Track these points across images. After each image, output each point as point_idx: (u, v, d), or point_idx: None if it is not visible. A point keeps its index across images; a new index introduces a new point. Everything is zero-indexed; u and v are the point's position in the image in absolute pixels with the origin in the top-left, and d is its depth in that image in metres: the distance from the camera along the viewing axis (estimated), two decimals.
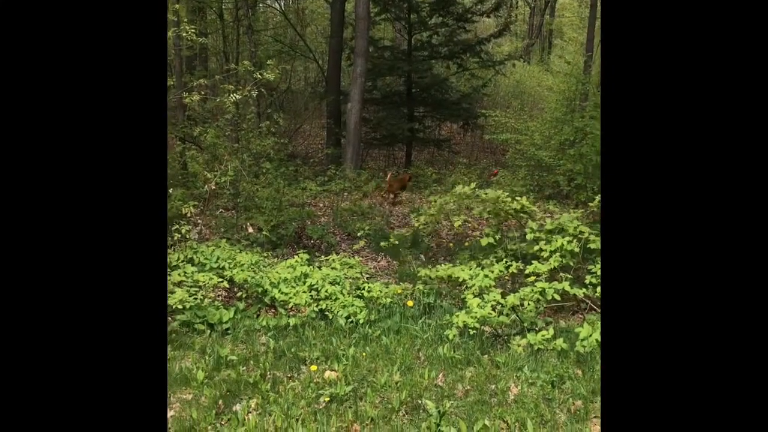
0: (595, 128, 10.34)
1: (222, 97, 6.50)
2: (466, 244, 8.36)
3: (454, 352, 4.77)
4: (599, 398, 4.16)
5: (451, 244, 8.42)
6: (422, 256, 8.07)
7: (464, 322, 4.89)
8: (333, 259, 6.29)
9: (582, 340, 4.75)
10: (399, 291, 5.81)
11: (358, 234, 7.94)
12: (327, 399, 4.09)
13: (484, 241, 5.98)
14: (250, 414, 3.98)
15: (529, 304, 5.03)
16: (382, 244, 7.42)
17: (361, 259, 6.91)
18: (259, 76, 6.53)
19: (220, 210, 7.91)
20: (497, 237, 6.06)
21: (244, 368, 4.59)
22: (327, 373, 4.46)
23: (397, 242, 7.44)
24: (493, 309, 5.02)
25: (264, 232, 6.96)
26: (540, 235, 5.78)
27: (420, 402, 4.13)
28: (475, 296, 5.14)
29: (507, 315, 5.09)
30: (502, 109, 20.47)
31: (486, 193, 6.05)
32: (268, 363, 4.58)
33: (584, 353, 4.70)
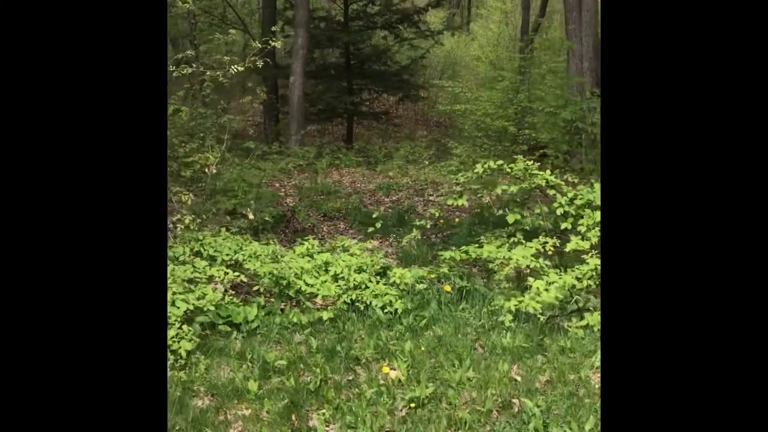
0: (562, 98, 10.14)
1: (218, 69, 5.84)
2: (456, 220, 8.02)
3: (517, 340, 4.41)
4: None
5: (441, 221, 8.04)
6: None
7: (527, 305, 4.53)
8: (349, 245, 5.79)
9: None
10: (426, 275, 5.38)
11: (373, 216, 7.41)
12: (413, 405, 3.65)
13: (511, 218, 5.63)
14: (329, 429, 3.50)
15: (587, 283, 4.72)
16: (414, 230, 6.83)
17: (377, 243, 6.44)
18: (258, 45, 5.90)
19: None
20: (523, 213, 5.73)
21: (291, 373, 4.07)
22: (392, 373, 4.02)
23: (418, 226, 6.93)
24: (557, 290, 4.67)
25: (266, 217, 6.35)
26: (570, 209, 5.48)
27: (509, 400, 3.75)
28: (533, 279, 4.79)
29: (557, 297, 4.77)
30: (436, 79, 20.26)
31: (511, 167, 5.68)
32: (327, 367, 4.08)
33: None
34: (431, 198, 9.99)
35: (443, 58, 21.93)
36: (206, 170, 5.62)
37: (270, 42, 6.12)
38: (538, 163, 5.86)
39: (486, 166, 5.69)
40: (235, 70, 5.76)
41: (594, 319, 4.56)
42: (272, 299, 5.08)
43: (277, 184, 10.96)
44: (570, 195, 5.51)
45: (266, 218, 6.33)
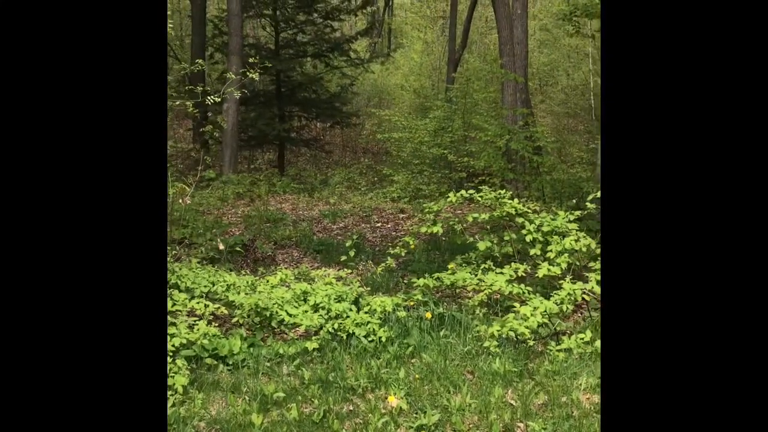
0: (505, 128, 10.47)
1: (183, 99, 5.76)
2: (412, 246, 8.11)
3: (505, 365, 4.52)
4: None
5: (398, 250, 8.12)
6: (371, 261, 7.71)
7: (509, 331, 4.66)
8: (321, 275, 5.79)
9: None
10: (402, 302, 5.44)
11: (347, 244, 7.40)
12: None
13: (482, 245, 5.78)
14: None
15: (567, 307, 4.90)
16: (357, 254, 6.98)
17: (335, 270, 6.45)
18: (232, 76, 5.85)
19: None
20: (493, 241, 5.89)
21: (293, 405, 4.03)
22: (395, 402, 4.04)
23: (352, 253, 7.05)
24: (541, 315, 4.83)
25: (237, 247, 6.27)
26: (538, 236, 5.68)
27: (511, 425, 3.85)
28: (519, 305, 4.93)
29: (537, 322, 4.92)
30: (363, 107, 20.49)
31: (481, 197, 5.84)
32: (330, 397, 4.07)
33: None
34: (378, 225, 10.09)
35: (369, 87, 22.21)
36: (181, 200, 5.52)
37: (248, 73, 6.11)
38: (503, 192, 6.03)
39: (459, 195, 5.83)
40: (212, 101, 5.71)
41: (572, 342, 4.73)
42: (252, 330, 5.02)
43: (216, 212, 10.79)
44: (537, 222, 5.71)
45: (237, 248, 6.25)
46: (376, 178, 14.17)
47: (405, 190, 11.91)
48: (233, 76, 5.86)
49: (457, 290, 5.91)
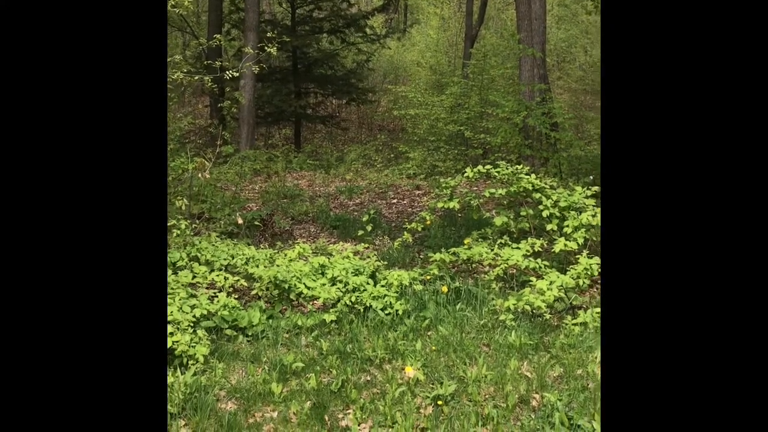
0: (523, 104, 10.42)
1: (201, 75, 5.80)
2: (428, 222, 8.14)
3: (521, 338, 4.57)
4: None
5: (415, 225, 8.16)
6: (387, 236, 7.75)
7: (525, 304, 4.69)
8: (338, 249, 5.84)
9: None
10: (418, 276, 5.49)
11: (364, 219, 7.45)
12: (440, 402, 3.75)
13: (498, 221, 5.80)
14: (362, 428, 3.56)
15: (583, 282, 4.93)
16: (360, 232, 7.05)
17: (365, 246, 6.50)
18: (249, 51, 5.87)
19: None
20: (510, 216, 5.90)
21: (312, 374, 4.11)
22: (412, 373, 4.10)
23: (369, 230, 7.10)
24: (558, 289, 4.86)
25: (255, 221, 6.33)
26: (555, 211, 5.69)
27: (527, 396, 3.90)
28: (536, 279, 4.96)
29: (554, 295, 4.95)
30: (379, 83, 20.42)
31: (498, 172, 5.85)
32: (348, 368, 4.14)
33: None
34: (394, 201, 10.12)
35: (385, 63, 22.11)
36: (200, 175, 5.59)
37: (266, 48, 6.13)
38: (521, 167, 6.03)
39: (476, 171, 5.84)
40: (230, 75, 5.74)
41: (588, 316, 4.76)
42: (270, 303, 5.10)
43: (234, 187, 10.85)
44: (554, 197, 5.72)
45: (255, 223, 6.32)
46: (392, 155, 14.16)
47: (421, 167, 11.90)
48: (251, 51, 5.87)
49: (473, 265, 5.95)
